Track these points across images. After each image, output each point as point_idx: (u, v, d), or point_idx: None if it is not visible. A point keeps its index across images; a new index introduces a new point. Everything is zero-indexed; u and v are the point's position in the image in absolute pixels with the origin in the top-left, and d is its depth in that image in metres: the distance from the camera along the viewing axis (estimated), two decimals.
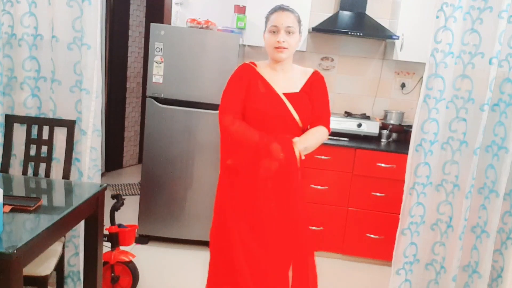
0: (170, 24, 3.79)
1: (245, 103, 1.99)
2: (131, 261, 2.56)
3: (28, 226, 1.66)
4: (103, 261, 2.24)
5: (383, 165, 3.13)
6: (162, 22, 4.29)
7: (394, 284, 2.36)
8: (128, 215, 3.49)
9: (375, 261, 3.31)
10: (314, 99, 2.03)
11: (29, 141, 2.38)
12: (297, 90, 2.01)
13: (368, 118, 3.56)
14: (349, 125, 3.40)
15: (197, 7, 3.66)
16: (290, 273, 1.97)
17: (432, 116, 2.19)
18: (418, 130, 2.23)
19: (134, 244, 2.85)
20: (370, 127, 3.40)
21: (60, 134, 2.41)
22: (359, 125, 3.39)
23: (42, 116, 2.44)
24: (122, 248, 2.58)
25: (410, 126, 3.10)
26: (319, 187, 3.17)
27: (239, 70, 2.05)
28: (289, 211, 1.92)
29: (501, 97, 2.19)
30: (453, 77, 2.20)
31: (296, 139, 1.92)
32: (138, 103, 5.16)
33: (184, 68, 3.11)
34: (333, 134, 3.33)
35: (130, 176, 4.88)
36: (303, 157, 1.93)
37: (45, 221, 1.68)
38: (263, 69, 2.04)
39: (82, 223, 2.11)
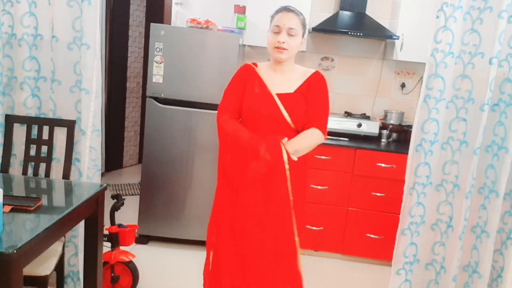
0: (170, 24, 3.79)
1: (242, 103, 2.01)
2: (131, 261, 2.56)
3: (28, 226, 1.66)
4: (103, 261, 2.24)
5: (383, 165, 3.13)
6: (162, 22, 4.29)
7: (394, 284, 2.36)
8: (128, 215, 3.49)
9: (375, 261, 3.31)
10: (309, 100, 1.99)
11: (29, 141, 2.38)
12: (291, 90, 1.99)
13: (368, 118, 3.56)
14: (349, 125, 3.40)
15: (197, 7, 3.66)
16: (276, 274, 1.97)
17: (432, 116, 2.19)
18: (418, 130, 2.23)
19: (134, 244, 2.85)
20: (370, 127, 3.40)
21: (60, 134, 2.41)
22: (359, 125, 3.39)
23: (42, 116, 2.44)
24: (122, 248, 2.58)
25: (410, 126, 3.10)
26: (319, 187, 3.17)
27: (239, 70, 2.08)
28: (275, 214, 1.93)
29: (501, 97, 2.19)
30: (453, 77, 2.20)
31: (285, 141, 1.92)
32: (138, 103, 5.16)
33: (184, 68, 3.11)
34: (333, 134, 3.33)
35: (130, 176, 4.88)
36: (295, 159, 1.91)
37: (45, 221, 1.68)
38: (263, 69, 2.05)
39: (82, 223, 2.11)
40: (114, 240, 2.53)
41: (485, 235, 2.23)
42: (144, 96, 4.32)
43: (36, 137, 2.38)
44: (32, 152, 2.38)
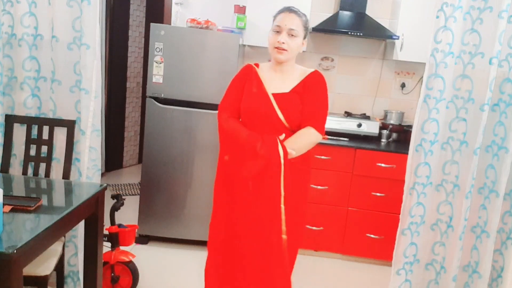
0: (170, 24, 3.79)
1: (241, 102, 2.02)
2: (131, 261, 2.56)
3: (28, 226, 1.66)
4: (103, 261, 2.24)
5: (383, 165, 3.13)
6: (162, 22, 4.30)
7: (394, 284, 2.36)
8: (128, 215, 3.49)
9: (375, 261, 3.31)
10: (305, 99, 1.97)
11: (29, 141, 2.38)
12: (287, 90, 1.99)
13: (368, 118, 3.56)
14: (349, 125, 3.40)
15: (197, 7, 3.66)
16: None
17: (432, 116, 2.19)
18: (418, 130, 2.23)
19: (134, 244, 2.85)
20: (370, 127, 3.40)
21: (60, 134, 2.41)
22: (359, 125, 3.39)
23: (42, 116, 2.44)
24: (122, 248, 2.58)
25: (410, 126, 3.10)
26: (319, 187, 3.17)
27: (240, 70, 2.11)
28: (264, 209, 1.92)
29: (501, 97, 2.19)
30: (453, 77, 2.20)
31: (282, 137, 1.91)
32: (138, 103, 5.16)
33: (184, 68, 3.11)
34: (333, 134, 3.33)
35: (130, 176, 4.88)
36: (293, 154, 1.90)
37: (45, 221, 1.68)
38: (264, 70, 2.07)
39: (82, 223, 2.11)
40: (114, 240, 2.53)
41: (485, 235, 2.23)
42: (144, 96, 4.32)
43: (36, 137, 2.38)
44: (32, 152, 2.38)
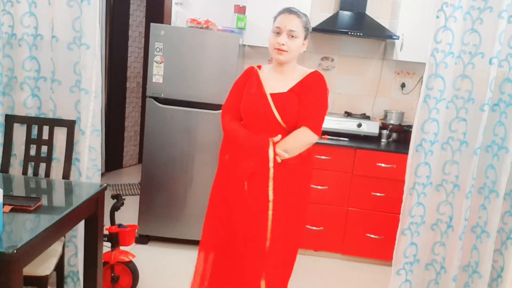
0: (170, 24, 3.79)
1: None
2: (131, 261, 2.56)
3: (28, 226, 1.66)
4: (103, 261, 2.24)
5: (383, 165, 3.12)
6: (162, 22, 4.30)
7: (394, 284, 2.36)
8: (128, 215, 3.49)
9: (375, 261, 3.31)
10: (302, 99, 1.95)
11: (29, 141, 2.38)
12: (285, 90, 1.98)
13: (368, 118, 3.56)
14: (349, 125, 3.40)
15: (197, 7, 3.66)
16: (263, 283, 1.95)
17: (432, 116, 2.19)
18: (418, 130, 2.23)
19: (134, 244, 2.85)
20: (370, 127, 3.40)
21: (60, 134, 2.41)
22: (359, 125, 3.39)
23: (42, 116, 2.44)
24: (122, 248, 2.58)
25: (410, 126, 3.10)
26: (319, 187, 3.17)
27: (243, 72, 2.13)
28: (256, 217, 1.93)
29: (501, 97, 2.19)
30: (453, 77, 2.20)
31: (277, 139, 1.91)
32: (138, 103, 5.16)
33: (184, 68, 3.11)
34: (333, 134, 3.34)
35: (130, 176, 4.88)
36: (278, 160, 1.90)
37: (45, 221, 1.68)
38: (265, 71, 2.07)
39: (82, 223, 2.11)
40: (114, 240, 2.53)
41: (485, 235, 2.23)
42: (144, 96, 4.31)
43: (36, 137, 2.38)
44: (32, 152, 2.38)
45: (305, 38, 1.99)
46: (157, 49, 3.08)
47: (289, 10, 1.96)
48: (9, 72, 2.37)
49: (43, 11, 2.33)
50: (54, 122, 2.38)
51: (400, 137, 3.49)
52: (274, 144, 1.90)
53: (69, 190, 2.18)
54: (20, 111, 2.40)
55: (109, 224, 2.54)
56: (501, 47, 2.11)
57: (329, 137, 3.29)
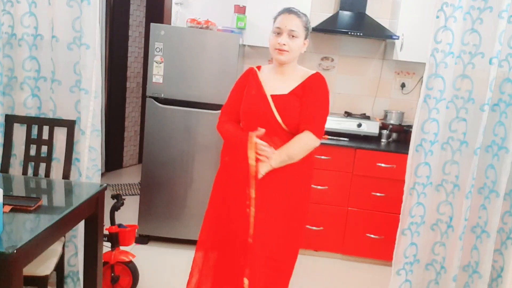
0: (170, 24, 3.79)
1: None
2: (131, 261, 2.56)
3: (28, 226, 1.66)
4: (103, 261, 2.24)
5: (383, 165, 3.12)
6: (162, 22, 4.30)
7: (394, 284, 2.36)
8: (128, 215, 3.49)
9: (375, 261, 3.31)
10: (304, 101, 1.95)
11: (29, 141, 2.38)
12: (286, 92, 1.98)
13: (368, 118, 3.56)
14: (349, 125, 3.40)
15: (197, 7, 3.66)
16: (246, 281, 1.95)
17: (432, 116, 2.19)
18: (418, 130, 2.23)
19: (134, 244, 2.85)
20: (370, 127, 3.40)
21: (60, 134, 2.41)
22: (359, 125, 3.39)
23: (42, 116, 2.44)
24: (122, 248, 2.58)
25: (410, 126, 3.10)
26: (319, 187, 3.17)
27: (242, 74, 2.12)
28: (242, 209, 1.94)
29: (501, 97, 2.19)
30: (453, 77, 2.20)
31: (259, 133, 1.92)
32: (138, 103, 5.16)
33: (184, 68, 3.11)
34: (333, 134, 3.33)
35: (130, 176, 4.88)
36: (286, 162, 1.91)
37: (45, 221, 1.68)
38: (265, 72, 2.07)
39: (82, 223, 2.11)
40: (114, 240, 2.53)
41: (485, 235, 2.23)
42: (144, 96, 4.31)
43: (36, 137, 2.38)
44: (32, 152, 2.38)
45: (305, 38, 1.99)
46: (157, 49, 3.08)
47: (289, 10, 1.96)
48: (9, 72, 2.37)
49: (43, 11, 2.33)
50: (54, 122, 2.38)
51: (400, 137, 3.49)
52: (252, 141, 1.91)
53: (69, 190, 2.18)
54: (20, 111, 2.40)
55: (109, 224, 2.54)
56: (501, 47, 2.11)
57: (329, 137, 3.29)
